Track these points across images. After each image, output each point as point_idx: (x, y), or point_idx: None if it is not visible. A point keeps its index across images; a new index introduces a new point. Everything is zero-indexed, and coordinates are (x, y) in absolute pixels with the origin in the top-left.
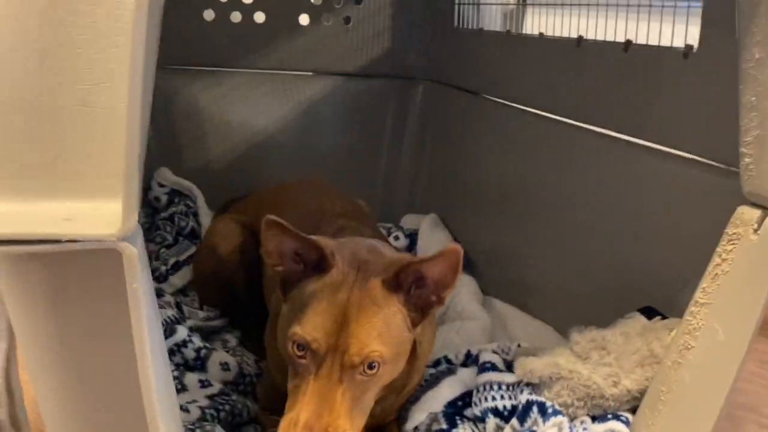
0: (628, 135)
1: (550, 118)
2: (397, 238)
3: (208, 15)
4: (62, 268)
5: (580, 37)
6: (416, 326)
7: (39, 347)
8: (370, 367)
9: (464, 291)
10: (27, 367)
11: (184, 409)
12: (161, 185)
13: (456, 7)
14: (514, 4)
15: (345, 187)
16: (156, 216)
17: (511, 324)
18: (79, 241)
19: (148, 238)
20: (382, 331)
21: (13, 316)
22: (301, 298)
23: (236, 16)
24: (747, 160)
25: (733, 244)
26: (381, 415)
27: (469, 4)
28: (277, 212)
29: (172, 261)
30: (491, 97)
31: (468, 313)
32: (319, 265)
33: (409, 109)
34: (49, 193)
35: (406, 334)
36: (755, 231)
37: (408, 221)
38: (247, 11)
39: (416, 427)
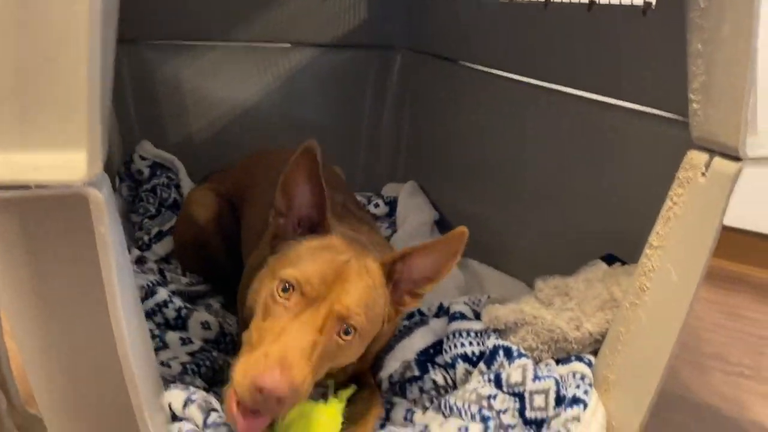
0: (593, 93)
1: (520, 81)
2: (377, 205)
3: None
4: (34, 215)
5: (547, 1)
6: (389, 321)
7: (16, 293)
8: (347, 332)
9: None
10: (8, 320)
11: (165, 364)
12: (143, 158)
13: None
14: None
15: (327, 158)
16: (139, 188)
17: (485, 281)
18: (47, 186)
19: (132, 210)
20: (369, 306)
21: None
22: (298, 251)
23: None
24: (695, 106)
25: (683, 187)
26: (353, 369)
27: None
28: (255, 178)
29: (155, 231)
30: (465, 63)
31: None
32: (316, 229)
33: (388, 78)
34: (19, 145)
35: (379, 325)
36: (703, 174)
37: (389, 190)
38: None
39: (390, 375)
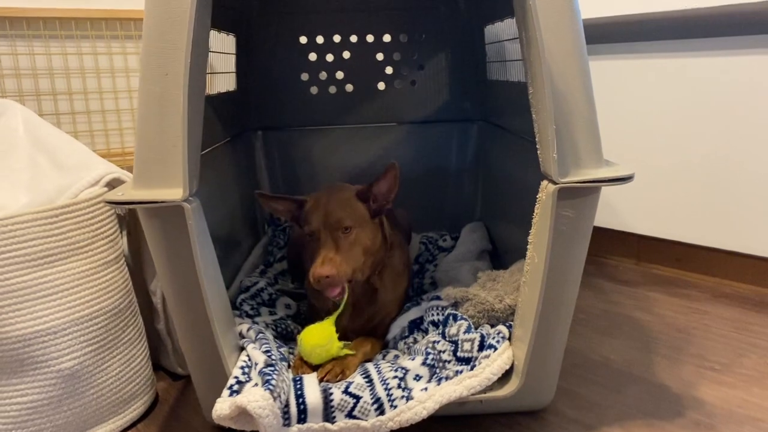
0: None
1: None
2: (445, 240)
3: (313, 90)
4: (164, 216)
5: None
6: (376, 216)
7: (159, 260)
8: (347, 229)
9: (471, 257)
10: (159, 279)
11: (255, 322)
12: None
13: (486, 65)
14: None
15: (422, 209)
16: (277, 229)
17: None
18: (167, 202)
19: (271, 243)
20: (349, 212)
21: (151, 248)
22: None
23: (333, 89)
24: (538, 150)
25: (539, 203)
26: (371, 331)
27: (495, 61)
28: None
29: (279, 255)
30: (507, 129)
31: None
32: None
33: (468, 145)
34: (157, 186)
35: (368, 218)
36: (545, 194)
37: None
38: (340, 84)
39: (394, 337)
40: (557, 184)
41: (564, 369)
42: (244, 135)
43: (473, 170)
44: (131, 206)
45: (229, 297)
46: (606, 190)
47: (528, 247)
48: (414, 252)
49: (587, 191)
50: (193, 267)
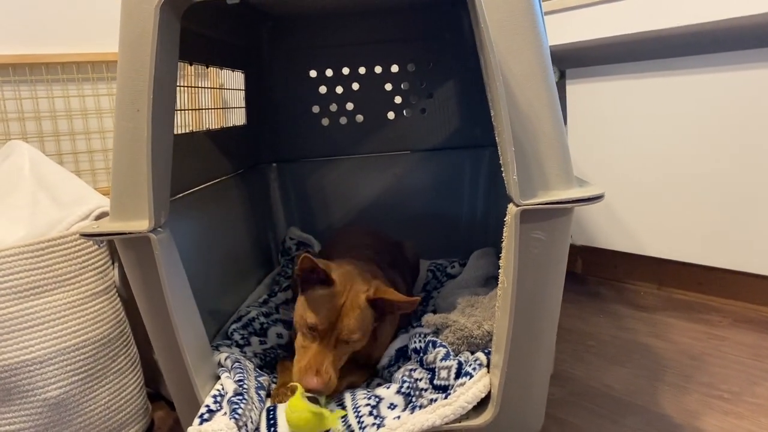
0: None
1: None
2: (453, 266)
3: (325, 121)
4: (135, 246)
5: None
6: (377, 322)
7: (135, 288)
8: (348, 342)
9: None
10: (138, 304)
11: (243, 352)
12: (291, 239)
13: None
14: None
15: (435, 236)
16: (287, 259)
17: None
18: (135, 233)
19: (280, 273)
20: (360, 324)
21: (129, 279)
22: (314, 297)
23: (343, 120)
24: (503, 173)
25: (505, 226)
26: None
27: None
28: (335, 245)
29: (284, 284)
30: None
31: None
32: (326, 281)
33: (480, 171)
34: (129, 217)
35: (371, 326)
36: (510, 217)
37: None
38: (351, 115)
39: (382, 366)
40: (519, 206)
41: (561, 397)
42: (259, 167)
43: (485, 196)
44: (102, 238)
45: (225, 327)
46: (624, 213)
47: (500, 271)
48: (422, 280)
49: (557, 213)
50: (160, 292)
